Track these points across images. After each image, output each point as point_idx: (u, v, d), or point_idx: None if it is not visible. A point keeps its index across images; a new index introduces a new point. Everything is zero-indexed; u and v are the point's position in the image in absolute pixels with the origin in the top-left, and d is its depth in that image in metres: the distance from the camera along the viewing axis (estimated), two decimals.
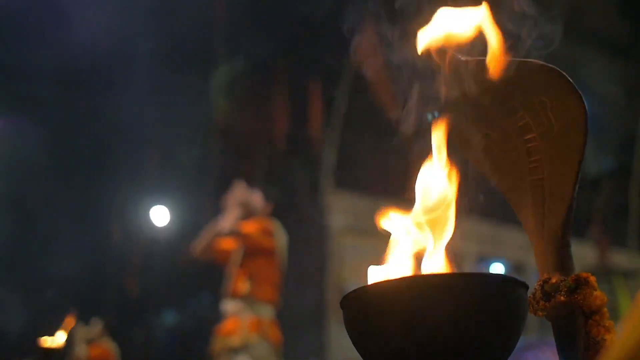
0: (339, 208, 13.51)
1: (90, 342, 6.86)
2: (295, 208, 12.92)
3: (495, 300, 0.97)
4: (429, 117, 1.21)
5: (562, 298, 1.06)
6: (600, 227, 15.77)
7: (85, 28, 9.44)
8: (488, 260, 15.62)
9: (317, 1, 10.13)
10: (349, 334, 1.04)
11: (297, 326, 10.97)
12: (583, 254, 14.70)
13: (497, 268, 15.60)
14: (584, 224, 15.65)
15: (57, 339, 2.93)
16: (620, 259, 16.11)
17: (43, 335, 2.92)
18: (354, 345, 1.03)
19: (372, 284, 1.01)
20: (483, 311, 0.95)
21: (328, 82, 12.82)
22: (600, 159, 16.79)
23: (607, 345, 0.69)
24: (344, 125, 13.64)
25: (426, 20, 1.21)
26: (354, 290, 1.02)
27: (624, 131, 17.51)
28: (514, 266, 15.36)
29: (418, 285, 0.96)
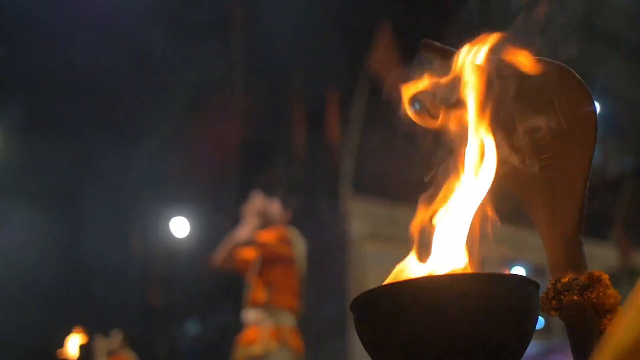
0: (358, 215, 13.46)
1: (110, 353, 6.85)
2: (314, 216, 12.91)
3: (505, 300, 0.96)
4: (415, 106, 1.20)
5: (575, 297, 1.04)
6: (622, 227, 15.61)
7: None
8: (510, 263, 15.50)
9: (333, 10, 10.15)
10: (359, 336, 1.03)
11: (319, 334, 10.94)
12: (605, 256, 14.54)
13: (519, 271, 15.48)
14: (606, 225, 15.49)
15: (75, 351, 2.95)
16: None
17: (61, 347, 2.94)
18: (365, 347, 1.03)
19: (381, 286, 1.00)
20: (493, 311, 0.95)
21: (345, 89, 12.81)
22: (621, 159, 16.63)
23: (606, 338, 0.68)
24: (362, 131, 13.60)
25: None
26: (365, 293, 1.01)
27: None
28: (536, 269, 15.22)
29: (427, 287, 0.96)
